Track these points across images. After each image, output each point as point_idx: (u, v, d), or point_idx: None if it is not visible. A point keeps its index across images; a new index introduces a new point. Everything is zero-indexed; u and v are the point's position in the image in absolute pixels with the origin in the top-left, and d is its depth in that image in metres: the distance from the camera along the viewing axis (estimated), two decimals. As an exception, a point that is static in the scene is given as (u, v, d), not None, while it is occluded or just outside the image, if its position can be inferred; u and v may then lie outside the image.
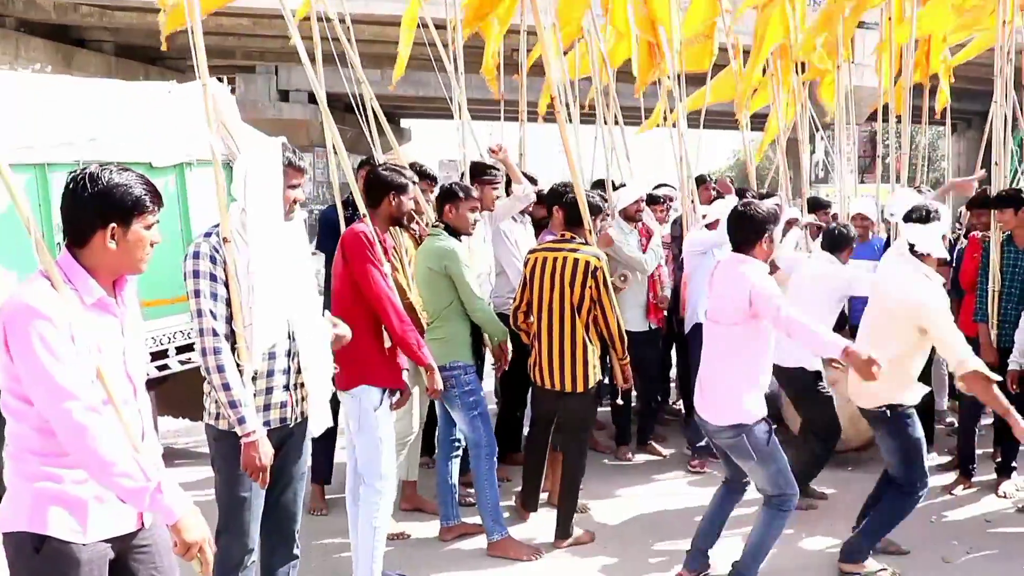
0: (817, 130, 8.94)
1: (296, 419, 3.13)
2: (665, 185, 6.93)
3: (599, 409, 6.53)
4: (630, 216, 5.92)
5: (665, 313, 6.12)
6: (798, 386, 5.17)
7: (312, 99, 26.01)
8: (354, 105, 4.90)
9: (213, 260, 2.90)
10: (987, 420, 6.25)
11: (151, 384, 5.74)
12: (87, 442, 2.12)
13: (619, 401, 5.40)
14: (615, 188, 6.55)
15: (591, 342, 4.44)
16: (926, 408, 5.02)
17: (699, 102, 8.11)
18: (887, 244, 6.22)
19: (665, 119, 7.26)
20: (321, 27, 4.75)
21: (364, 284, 3.71)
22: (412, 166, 5.21)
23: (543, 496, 4.98)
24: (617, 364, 4.64)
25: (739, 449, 3.85)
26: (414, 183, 3.96)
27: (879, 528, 4.21)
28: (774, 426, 6.47)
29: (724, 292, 3.85)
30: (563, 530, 4.58)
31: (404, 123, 33.20)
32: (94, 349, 2.19)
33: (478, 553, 4.50)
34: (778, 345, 4.05)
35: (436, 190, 5.00)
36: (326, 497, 5.14)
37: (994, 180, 5.64)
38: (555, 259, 4.45)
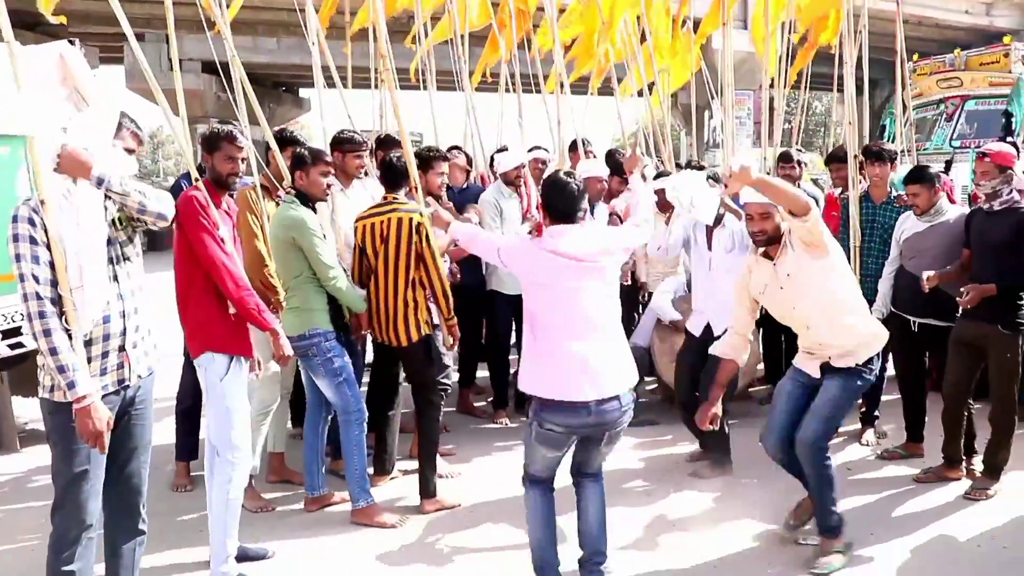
0: (713, 97, 9.02)
1: (136, 380, 3.06)
2: (538, 148, 6.90)
3: (480, 374, 6.59)
4: (510, 181, 5.89)
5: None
6: None
7: (206, 68, 25.19)
8: (227, 73, 4.74)
9: (32, 223, 2.81)
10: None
11: (4, 364, 5.50)
12: None
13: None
14: (497, 151, 6.51)
15: (418, 298, 4.52)
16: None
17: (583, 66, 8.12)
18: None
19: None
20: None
21: (198, 249, 3.59)
22: (281, 131, 5.09)
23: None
24: (444, 324, 4.66)
25: None
26: (232, 142, 3.75)
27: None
28: (654, 385, 6.70)
29: None
30: (425, 489, 4.58)
31: (303, 92, 32.38)
32: None
33: (343, 521, 4.43)
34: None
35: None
36: (191, 474, 4.99)
37: (849, 138, 5.78)
38: (380, 222, 4.50)
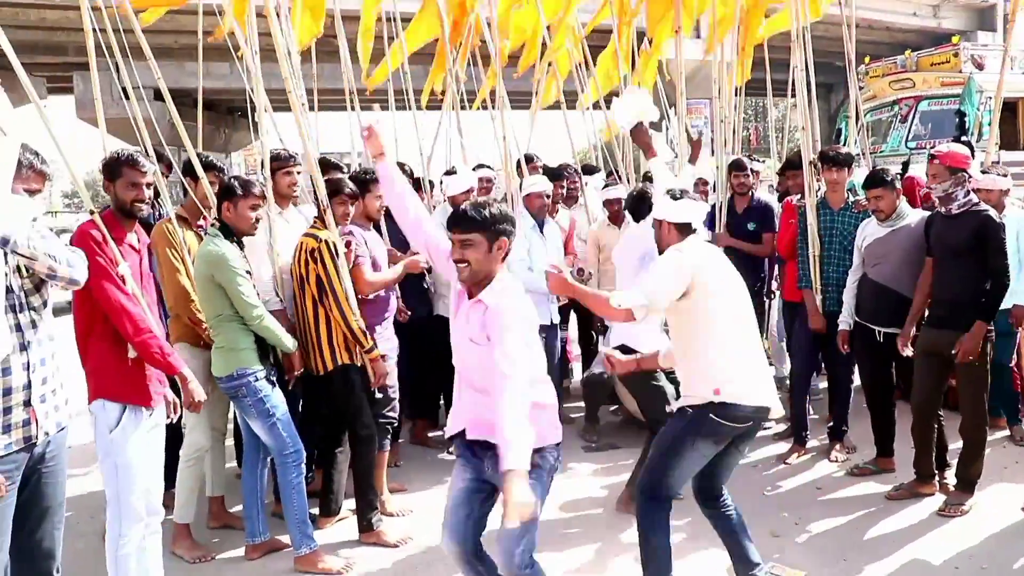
0: (671, 106, 8.85)
1: (44, 437, 2.81)
2: (483, 166, 6.66)
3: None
4: (458, 204, 5.61)
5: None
6: None
7: (158, 96, 24.67)
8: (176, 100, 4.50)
9: None
10: (821, 384, 6.32)
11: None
12: None
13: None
14: (445, 175, 6.27)
15: (324, 324, 4.32)
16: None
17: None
18: (713, 211, 6.15)
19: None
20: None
21: (94, 290, 3.24)
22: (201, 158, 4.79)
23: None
24: (364, 358, 4.41)
25: None
26: (134, 167, 3.46)
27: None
28: (614, 407, 6.46)
29: None
30: (362, 523, 4.40)
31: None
32: None
33: (287, 569, 4.12)
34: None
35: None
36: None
37: (805, 144, 5.61)
38: (298, 245, 4.40)
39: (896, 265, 4.66)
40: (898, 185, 4.70)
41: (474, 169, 6.84)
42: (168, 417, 3.55)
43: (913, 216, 4.72)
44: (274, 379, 4.09)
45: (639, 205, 4.72)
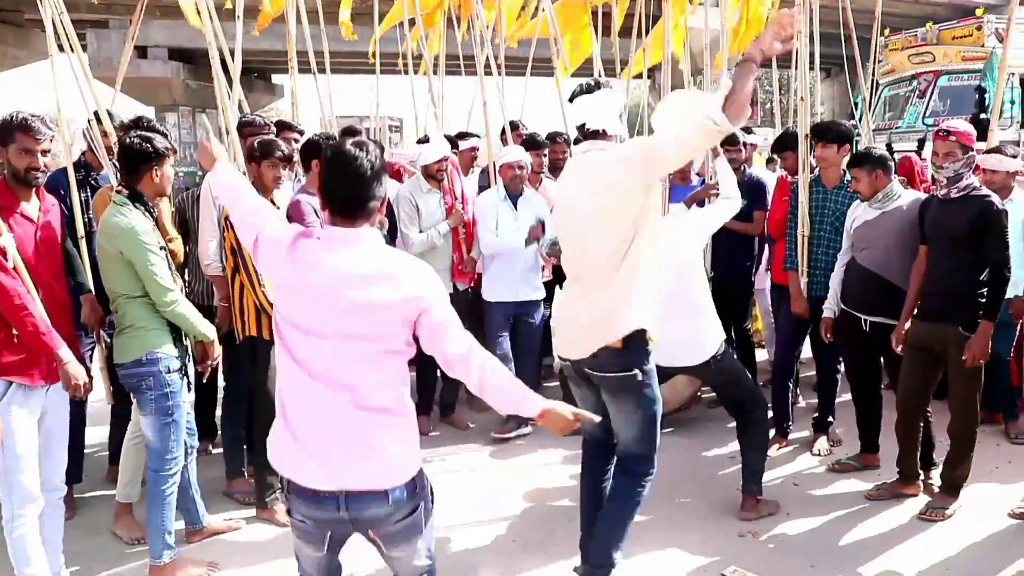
0: (694, 76, 8.51)
1: None
2: (470, 135, 6.37)
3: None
4: (431, 174, 5.37)
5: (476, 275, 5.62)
6: None
7: (173, 55, 24.54)
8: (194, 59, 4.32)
9: None
10: (808, 372, 6.04)
11: None
12: None
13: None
14: (418, 143, 6.01)
15: (238, 292, 4.19)
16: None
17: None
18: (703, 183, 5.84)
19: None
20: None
21: None
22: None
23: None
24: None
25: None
26: (27, 132, 3.23)
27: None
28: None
29: None
30: (259, 499, 4.34)
31: (276, 79, 31.73)
32: None
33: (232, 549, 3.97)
34: None
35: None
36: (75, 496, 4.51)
37: (802, 117, 5.25)
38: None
39: (886, 250, 4.34)
40: (885, 166, 4.36)
41: (459, 137, 6.59)
42: (77, 394, 3.32)
43: (906, 197, 4.39)
44: (186, 370, 3.71)
45: None
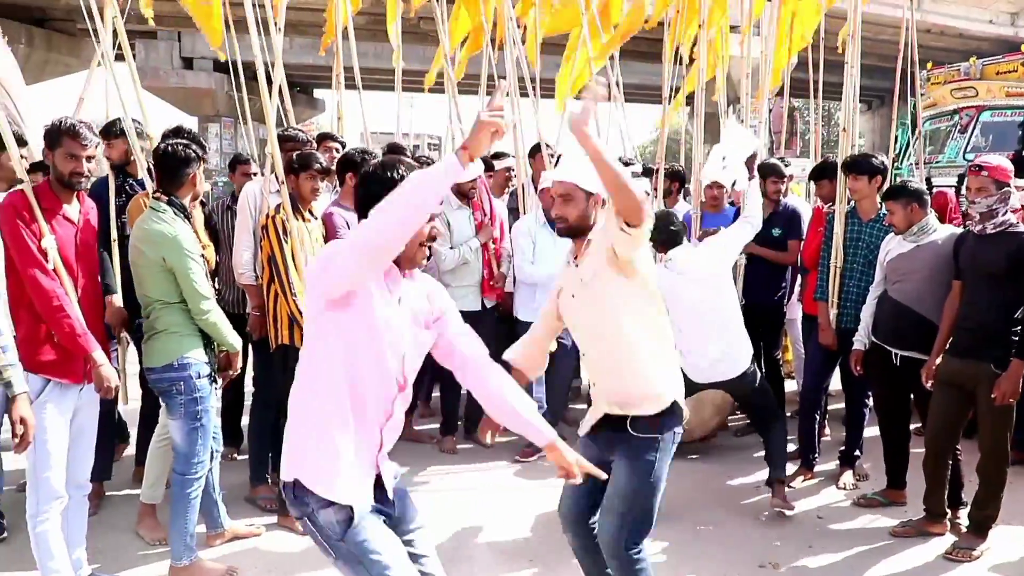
0: (729, 104, 8.52)
1: None
2: (503, 155, 6.41)
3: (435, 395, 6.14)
4: (463, 192, 5.42)
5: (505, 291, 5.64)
6: None
7: (218, 67, 24.98)
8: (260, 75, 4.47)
9: None
10: (837, 405, 5.96)
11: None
12: None
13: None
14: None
15: (272, 300, 4.25)
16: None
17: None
18: (737, 214, 5.81)
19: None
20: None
21: (16, 261, 3.17)
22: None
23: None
24: None
25: None
26: (75, 138, 3.31)
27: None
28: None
29: None
30: (281, 506, 4.38)
31: (318, 93, 32.17)
32: None
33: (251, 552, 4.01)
34: None
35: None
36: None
37: (841, 147, 5.22)
38: None
39: (919, 284, 4.29)
40: (921, 200, 4.33)
41: (493, 158, 6.63)
42: (109, 396, 3.41)
43: (941, 232, 4.35)
44: (215, 376, 3.77)
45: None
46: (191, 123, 25.28)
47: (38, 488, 3.27)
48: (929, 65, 11.67)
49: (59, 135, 3.28)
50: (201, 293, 3.56)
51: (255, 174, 5.23)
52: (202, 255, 3.67)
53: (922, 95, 11.51)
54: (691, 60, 7.48)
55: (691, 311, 4.36)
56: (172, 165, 3.62)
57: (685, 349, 4.22)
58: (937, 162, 10.75)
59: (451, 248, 5.32)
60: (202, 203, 4.52)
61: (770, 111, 16.75)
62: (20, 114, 4.35)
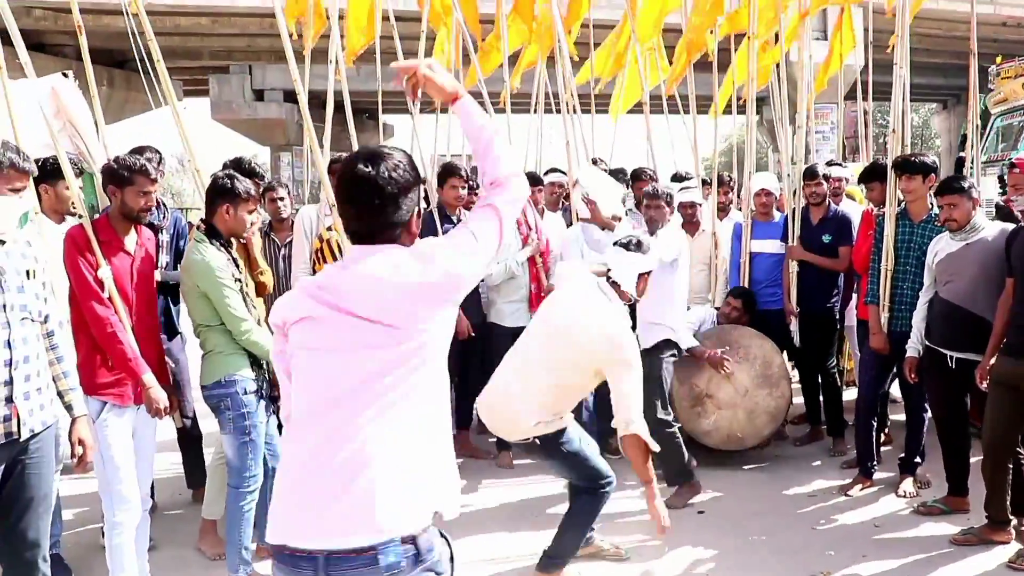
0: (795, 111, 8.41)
1: (29, 433, 2.86)
2: (555, 170, 6.44)
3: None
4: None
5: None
6: None
7: (288, 97, 25.70)
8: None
9: None
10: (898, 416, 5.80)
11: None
12: None
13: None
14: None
15: None
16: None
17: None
18: (786, 222, 5.74)
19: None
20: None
21: (73, 285, 3.44)
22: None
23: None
24: None
25: None
26: (147, 176, 3.56)
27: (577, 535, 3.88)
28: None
29: None
30: None
31: (388, 119, 32.72)
32: None
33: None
34: None
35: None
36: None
37: (890, 148, 5.11)
38: None
39: (971, 282, 4.18)
40: (975, 195, 4.22)
41: (546, 174, 6.67)
42: (160, 417, 3.61)
43: (991, 229, 4.23)
44: (264, 392, 3.86)
45: None
46: (263, 153, 26.14)
47: (112, 502, 3.47)
48: (998, 59, 11.29)
49: (133, 173, 3.53)
50: (237, 316, 3.70)
51: (281, 199, 5.39)
52: (241, 279, 3.79)
53: (991, 90, 11.16)
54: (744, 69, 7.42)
55: None
56: (207, 195, 3.85)
57: None
58: (1009, 159, 10.40)
59: (496, 263, 5.36)
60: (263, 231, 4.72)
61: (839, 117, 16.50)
62: (91, 154, 4.57)
